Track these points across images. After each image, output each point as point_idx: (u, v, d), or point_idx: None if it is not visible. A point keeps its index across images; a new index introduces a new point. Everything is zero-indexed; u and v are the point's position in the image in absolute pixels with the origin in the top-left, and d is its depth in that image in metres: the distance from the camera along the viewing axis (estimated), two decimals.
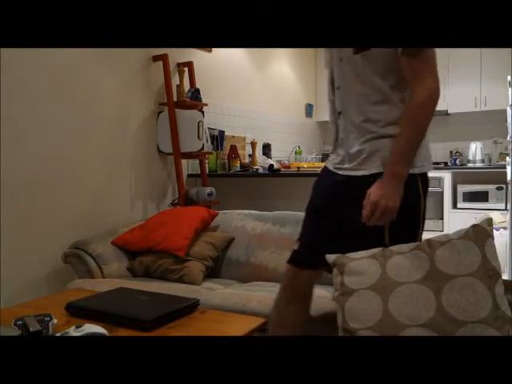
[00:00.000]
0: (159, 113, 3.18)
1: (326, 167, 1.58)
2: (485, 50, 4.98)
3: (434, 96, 1.30)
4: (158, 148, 3.20)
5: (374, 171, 1.38)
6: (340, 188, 1.47)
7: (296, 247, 1.58)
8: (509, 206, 3.13)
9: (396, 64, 1.34)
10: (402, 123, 1.32)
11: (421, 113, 1.30)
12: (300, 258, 1.55)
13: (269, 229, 2.45)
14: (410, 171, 1.35)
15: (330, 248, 1.46)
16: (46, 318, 1.25)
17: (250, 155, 3.95)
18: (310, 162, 4.41)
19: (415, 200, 1.39)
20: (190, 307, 1.45)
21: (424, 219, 1.43)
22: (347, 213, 1.43)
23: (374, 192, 1.33)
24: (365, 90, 1.39)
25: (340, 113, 1.47)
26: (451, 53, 5.15)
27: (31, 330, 1.18)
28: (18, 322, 1.22)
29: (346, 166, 1.46)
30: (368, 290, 1.27)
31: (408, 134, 1.31)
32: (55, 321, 1.26)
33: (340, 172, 1.48)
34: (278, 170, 3.48)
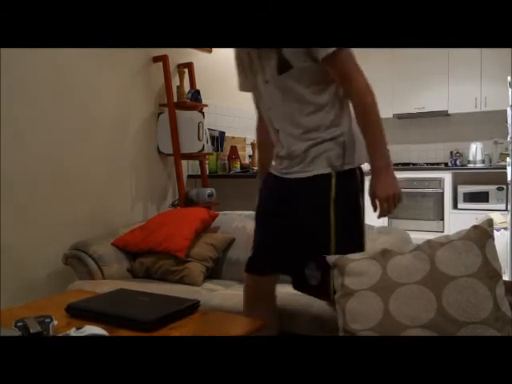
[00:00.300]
0: (159, 114, 3.18)
1: (270, 174, 1.59)
2: (485, 50, 4.97)
3: (369, 87, 1.37)
4: (158, 149, 3.20)
5: (321, 171, 1.43)
6: (288, 191, 1.50)
7: (251, 254, 1.59)
8: (509, 207, 3.13)
9: (318, 74, 1.40)
10: (362, 126, 1.40)
11: (370, 108, 1.37)
12: (256, 265, 1.58)
13: None
14: (346, 167, 1.42)
15: (284, 252, 1.50)
16: (46, 320, 1.25)
17: (250, 156, 3.95)
18: None
19: (354, 195, 1.45)
20: (190, 308, 1.45)
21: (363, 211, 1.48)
22: (296, 214, 1.47)
23: (378, 189, 1.38)
24: (296, 106, 1.43)
25: (278, 130, 1.50)
26: (451, 53, 5.15)
27: (31, 331, 1.18)
28: (19, 324, 1.21)
29: (292, 169, 1.48)
30: (369, 291, 1.26)
31: (372, 131, 1.38)
32: (55, 322, 1.26)
33: (287, 176, 1.50)
34: None
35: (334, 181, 1.42)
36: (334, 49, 1.31)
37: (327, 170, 1.42)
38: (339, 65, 1.35)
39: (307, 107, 1.42)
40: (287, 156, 1.49)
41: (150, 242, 2.40)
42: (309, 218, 1.44)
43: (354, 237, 1.45)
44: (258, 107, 1.62)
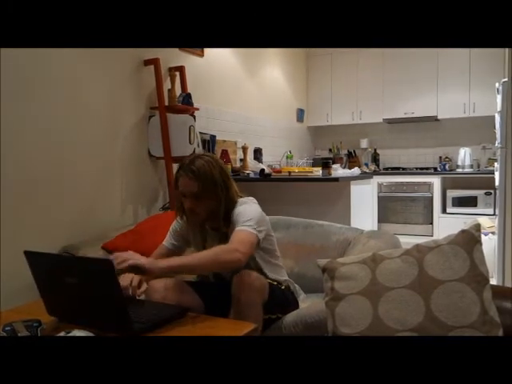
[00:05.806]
0: (150, 117, 3.17)
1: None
2: (474, 57, 5.04)
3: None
4: (149, 152, 3.19)
5: None
6: None
7: None
8: (497, 211, 3.16)
9: None
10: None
11: None
12: None
13: None
14: None
15: None
16: (34, 324, 1.24)
17: (241, 160, 3.95)
18: (301, 167, 4.42)
19: None
20: (178, 315, 1.44)
21: None
22: None
23: None
24: None
25: None
26: (440, 59, 5.21)
27: (19, 335, 1.17)
28: (7, 328, 1.21)
29: None
30: (358, 295, 1.27)
31: None
32: (44, 326, 1.25)
33: None
34: (269, 174, 3.49)
35: None
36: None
37: None
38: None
39: None
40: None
41: (141, 247, 2.38)
42: None
43: None
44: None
